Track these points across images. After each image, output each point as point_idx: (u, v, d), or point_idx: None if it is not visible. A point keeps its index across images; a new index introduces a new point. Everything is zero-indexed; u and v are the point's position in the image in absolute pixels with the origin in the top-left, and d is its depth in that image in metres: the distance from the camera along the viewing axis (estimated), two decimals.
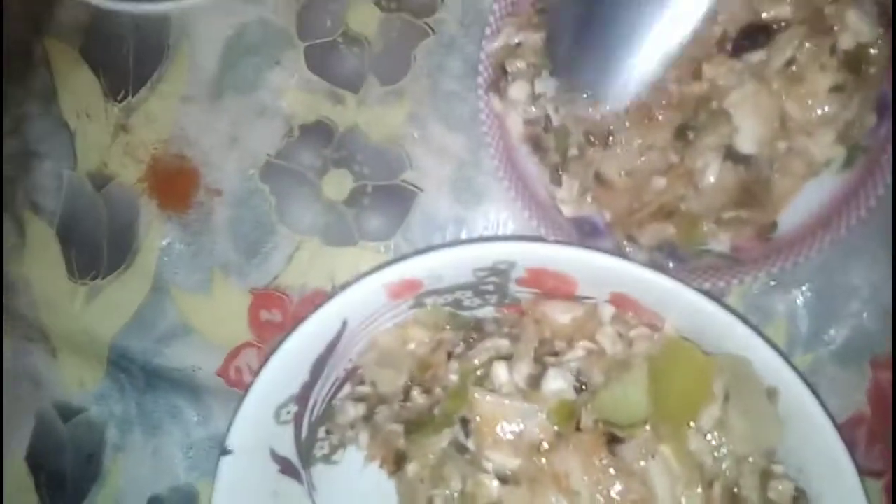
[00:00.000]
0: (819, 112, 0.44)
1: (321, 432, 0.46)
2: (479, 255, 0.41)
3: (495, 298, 0.45)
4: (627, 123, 0.47)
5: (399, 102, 0.52)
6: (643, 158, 0.48)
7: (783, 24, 0.45)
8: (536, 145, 0.50)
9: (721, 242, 0.49)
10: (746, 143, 0.45)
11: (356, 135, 0.52)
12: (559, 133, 0.49)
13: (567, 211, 0.51)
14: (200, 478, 0.53)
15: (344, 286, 0.41)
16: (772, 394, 0.39)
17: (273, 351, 0.41)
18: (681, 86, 0.46)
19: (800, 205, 0.48)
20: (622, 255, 0.50)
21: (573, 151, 0.48)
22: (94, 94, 0.53)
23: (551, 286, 0.42)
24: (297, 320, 0.41)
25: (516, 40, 0.48)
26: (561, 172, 0.50)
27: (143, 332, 0.54)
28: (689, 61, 0.46)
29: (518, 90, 0.48)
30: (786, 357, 0.39)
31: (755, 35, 0.46)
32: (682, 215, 0.48)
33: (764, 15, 0.46)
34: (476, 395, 0.39)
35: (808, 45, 0.44)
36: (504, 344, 0.43)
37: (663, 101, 0.47)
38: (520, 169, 0.51)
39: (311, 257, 0.51)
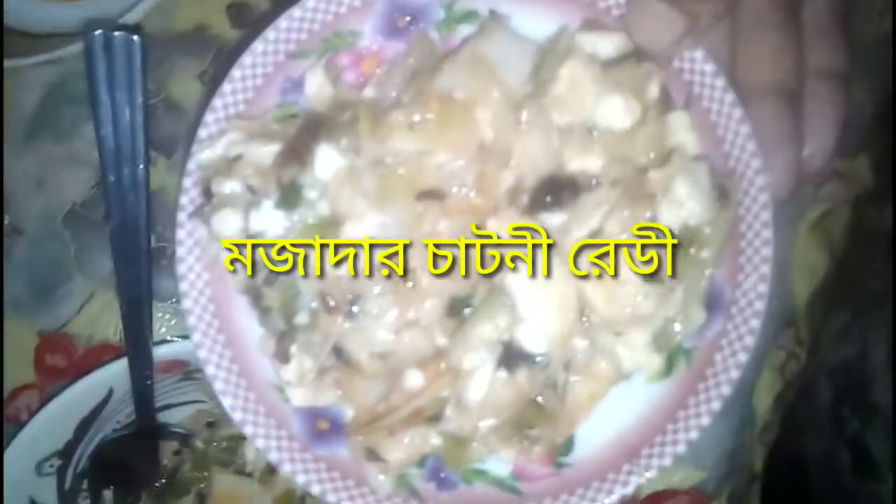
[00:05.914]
0: (629, 308, 0.32)
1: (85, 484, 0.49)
2: None
3: None
4: (379, 288, 0.33)
5: None
6: (402, 338, 0.34)
7: (594, 182, 0.34)
8: (256, 301, 0.35)
9: (502, 460, 0.36)
10: (531, 340, 0.32)
11: (162, 197, 0.52)
12: (286, 290, 0.34)
13: (295, 398, 0.36)
14: None
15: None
16: None
17: (49, 399, 0.45)
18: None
19: (604, 417, 0.36)
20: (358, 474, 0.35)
21: (302, 318, 0.34)
22: None
23: None
24: (81, 369, 0.48)
25: (236, 151, 0.34)
26: (289, 345, 0.35)
27: None
28: (470, 210, 0.34)
29: (223, 222, 0.33)
30: None
31: (559, 191, 0.34)
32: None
33: (571, 167, 0.35)
34: None
35: (619, 214, 0.33)
36: None
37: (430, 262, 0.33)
38: (233, 330, 0.36)
39: (102, 309, 0.52)
